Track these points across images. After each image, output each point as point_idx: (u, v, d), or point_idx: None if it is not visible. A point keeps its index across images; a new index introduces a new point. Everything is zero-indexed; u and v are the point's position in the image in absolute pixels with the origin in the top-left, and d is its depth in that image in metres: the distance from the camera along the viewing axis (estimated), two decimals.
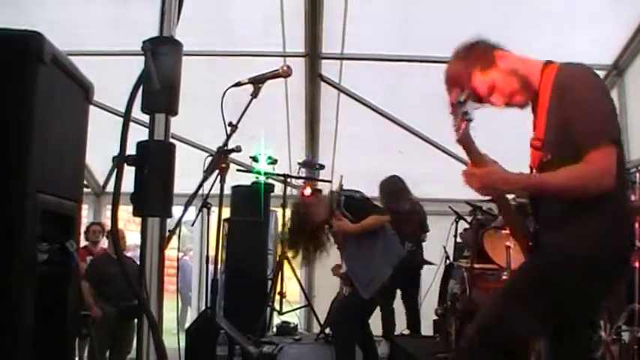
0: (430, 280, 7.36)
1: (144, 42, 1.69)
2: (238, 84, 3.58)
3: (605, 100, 2.57)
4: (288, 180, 8.20)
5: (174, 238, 3.78)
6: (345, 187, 5.84)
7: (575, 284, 2.47)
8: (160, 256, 1.71)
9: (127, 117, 1.66)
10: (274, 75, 3.66)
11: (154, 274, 1.71)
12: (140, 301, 1.62)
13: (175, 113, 1.74)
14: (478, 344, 2.60)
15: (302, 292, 8.19)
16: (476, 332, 2.65)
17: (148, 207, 1.72)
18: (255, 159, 8.11)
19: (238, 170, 7.85)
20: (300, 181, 8.58)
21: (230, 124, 3.69)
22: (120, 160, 1.66)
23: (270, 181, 8.23)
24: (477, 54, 2.78)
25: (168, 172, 1.72)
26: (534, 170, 2.71)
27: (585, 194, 2.41)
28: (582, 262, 2.48)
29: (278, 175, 8.10)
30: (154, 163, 1.69)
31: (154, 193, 1.71)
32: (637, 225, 5.29)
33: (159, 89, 1.65)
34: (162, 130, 1.72)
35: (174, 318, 4.92)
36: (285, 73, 3.70)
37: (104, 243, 8.29)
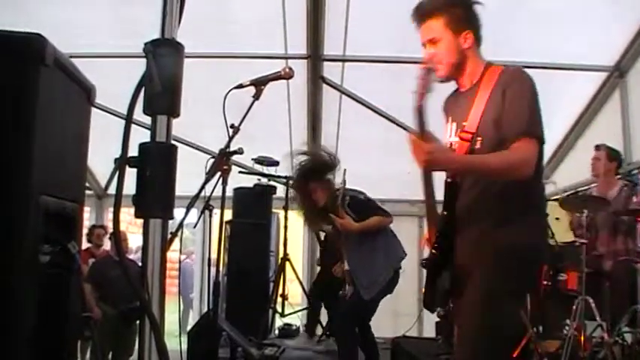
0: None
1: (145, 44, 1.69)
2: (240, 86, 3.59)
3: (537, 102, 2.77)
4: (290, 182, 8.21)
5: (176, 240, 3.79)
6: (348, 187, 5.84)
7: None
8: (161, 257, 1.71)
9: (128, 119, 1.66)
10: (276, 77, 3.67)
11: (156, 275, 1.70)
12: (142, 302, 1.62)
13: (177, 115, 1.74)
14: None
15: (304, 294, 8.19)
16: None
17: (150, 208, 1.71)
18: (257, 161, 8.13)
19: (240, 172, 7.86)
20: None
21: (232, 126, 3.70)
22: (122, 162, 1.66)
23: (272, 183, 8.25)
24: (460, 14, 2.88)
25: (170, 173, 1.72)
26: None
27: (508, 178, 2.64)
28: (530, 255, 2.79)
29: (280, 177, 8.11)
30: (155, 164, 1.69)
31: (155, 195, 1.71)
32: (638, 227, 5.31)
33: (160, 91, 1.65)
34: (164, 132, 1.72)
35: (176, 320, 4.92)
36: (287, 75, 3.71)
37: (107, 245, 8.29)
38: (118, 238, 2.05)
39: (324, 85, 8.07)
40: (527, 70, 7.07)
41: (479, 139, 2.74)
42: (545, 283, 5.75)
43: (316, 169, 5.95)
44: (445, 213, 2.78)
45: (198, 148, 8.65)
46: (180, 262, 5.46)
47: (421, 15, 2.89)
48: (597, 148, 6.15)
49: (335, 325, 6.22)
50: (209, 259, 5.08)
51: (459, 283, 2.74)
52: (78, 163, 2.41)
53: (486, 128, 2.73)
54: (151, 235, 1.71)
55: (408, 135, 2.69)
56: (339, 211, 5.68)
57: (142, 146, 1.71)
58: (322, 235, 7.67)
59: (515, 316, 2.85)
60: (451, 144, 2.86)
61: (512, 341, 2.97)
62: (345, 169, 5.89)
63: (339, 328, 5.82)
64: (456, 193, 2.76)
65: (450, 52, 2.85)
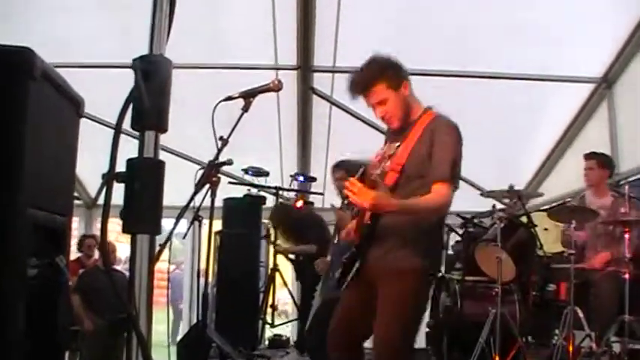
0: None
1: (134, 60, 1.70)
2: (229, 98, 3.58)
3: (460, 153, 3.30)
4: (280, 192, 8.22)
5: (166, 250, 3.79)
6: None
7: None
8: (149, 272, 1.71)
9: (116, 134, 1.67)
10: (265, 89, 3.67)
11: (144, 290, 1.71)
12: (129, 317, 1.62)
13: (165, 130, 1.75)
14: None
15: (294, 304, 8.18)
16: None
17: (138, 224, 1.72)
18: (246, 171, 8.14)
19: (230, 183, 7.87)
20: (291, 194, 8.60)
21: (221, 138, 3.69)
22: (109, 177, 1.67)
23: (262, 193, 8.25)
24: (393, 73, 3.39)
25: (158, 189, 1.73)
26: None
27: (433, 216, 3.31)
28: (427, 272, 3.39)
29: (270, 187, 8.12)
30: (143, 180, 1.70)
31: (143, 210, 1.71)
32: (626, 237, 5.33)
33: (148, 107, 1.65)
34: (152, 147, 1.73)
35: (165, 331, 4.91)
36: (276, 87, 3.70)
37: (97, 255, 8.26)
38: (104, 251, 2.05)
39: (314, 96, 8.09)
40: (515, 81, 7.13)
41: (405, 174, 3.27)
42: (534, 293, 5.78)
43: None
44: (369, 223, 3.31)
45: (188, 158, 8.65)
46: (169, 272, 5.38)
47: (362, 88, 3.38)
48: (587, 157, 6.16)
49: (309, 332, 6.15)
50: (198, 270, 5.09)
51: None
52: (67, 175, 2.41)
53: (410, 165, 3.27)
54: (139, 250, 1.71)
55: (350, 180, 3.12)
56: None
57: (130, 161, 1.72)
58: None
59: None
60: (383, 169, 3.34)
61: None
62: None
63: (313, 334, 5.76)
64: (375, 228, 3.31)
65: (397, 107, 3.36)
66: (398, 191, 3.24)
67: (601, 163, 6.08)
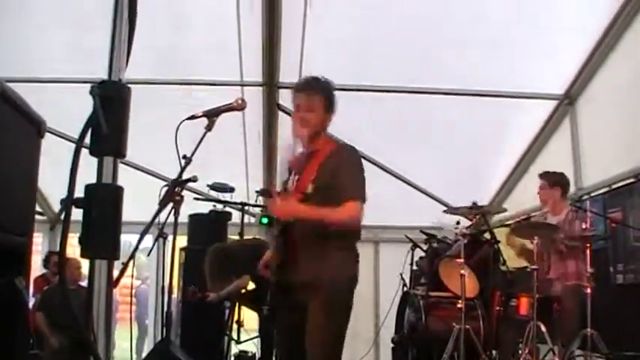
0: (387, 307, 7.36)
1: (92, 86, 1.70)
2: (192, 117, 3.58)
3: (363, 171, 3.61)
4: (246, 208, 8.21)
5: (131, 266, 3.76)
6: None
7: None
8: (107, 297, 1.71)
9: (75, 161, 1.66)
10: (228, 108, 3.67)
11: (102, 315, 1.70)
12: (87, 344, 1.62)
13: (123, 156, 1.76)
14: None
15: (259, 320, 8.14)
16: None
17: (96, 249, 1.72)
18: (212, 187, 8.12)
19: (196, 199, 7.84)
20: (257, 209, 8.59)
21: (184, 157, 3.69)
22: (67, 203, 1.67)
23: (227, 209, 8.23)
24: (333, 100, 3.70)
25: (116, 215, 1.73)
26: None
27: (339, 227, 3.45)
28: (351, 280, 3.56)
29: (235, 203, 8.11)
30: (101, 206, 1.70)
31: (101, 236, 1.71)
32: (587, 253, 5.42)
33: (107, 133, 1.66)
34: (111, 174, 1.73)
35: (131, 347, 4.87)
36: (240, 107, 3.71)
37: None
38: (62, 275, 2.03)
39: (280, 112, 8.10)
40: (479, 98, 7.22)
41: (310, 190, 3.50)
42: (497, 308, 5.83)
43: None
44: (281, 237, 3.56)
45: (153, 174, 8.60)
46: (132, 287, 5.33)
47: (309, 88, 3.69)
48: (540, 177, 6.29)
49: None
50: (162, 286, 5.05)
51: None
52: (27, 197, 2.38)
53: (316, 184, 3.50)
54: (97, 275, 1.71)
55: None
56: None
57: (88, 187, 1.72)
58: None
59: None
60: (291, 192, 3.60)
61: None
62: None
63: None
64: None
65: (317, 123, 3.63)
66: (308, 203, 3.45)
67: (551, 182, 6.19)
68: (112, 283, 1.73)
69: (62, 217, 1.72)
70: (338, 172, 3.50)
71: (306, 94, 3.66)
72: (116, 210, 1.73)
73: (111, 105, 1.70)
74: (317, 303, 3.39)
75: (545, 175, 6.23)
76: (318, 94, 3.64)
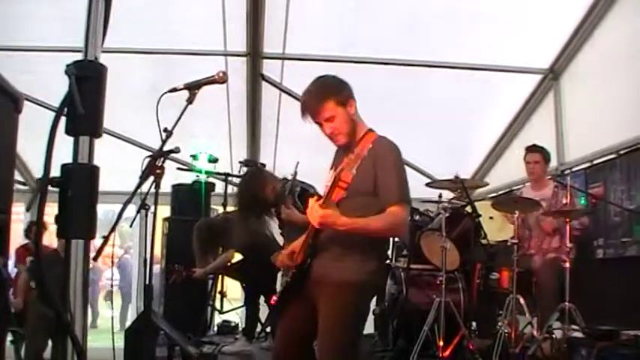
0: None
1: (67, 66, 1.69)
2: (174, 90, 3.56)
3: (404, 171, 3.40)
4: (229, 179, 8.20)
5: (113, 238, 3.77)
6: (298, 179, 5.86)
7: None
8: (84, 277, 1.71)
9: (50, 140, 1.65)
10: (210, 81, 3.65)
11: (79, 294, 1.71)
12: (64, 325, 1.62)
13: (99, 135, 1.74)
14: None
15: (243, 290, 8.17)
16: None
17: (72, 229, 1.72)
18: (195, 157, 8.09)
19: (179, 169, 7.82)
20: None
21: (165, 129, 3.68)
22: (44, 182, 1.66)
23: (211, 179, 8.22)
24: (341, 90, 3.45)
25: (92, 194, 1.72)
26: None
27: (388, 237, 3.42)
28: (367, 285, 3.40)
29: (219, 173, 8.09)
30: (77, 185, 1.69)
31: (77, 216, 1.71)
32: (567, 228, 5.46)
33: (82, 113, 1.64)
34: (87, 153, 1.72)
35: (116, 316, 4.86)
36: (221, 79, 3.69)
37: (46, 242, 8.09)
38: (38, 254, 2.02)
39: (264, 83, 8.07)
40: (464, 71, 7.19)
41: (349, 192, 3.24)
42: (478, 281, 5.88)
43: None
44: (311, 240, 3.38)
45: (136, 144, 8.56)
46: (113, 257, 5.30)
47: (314, 109, 3.40)
48: (532, 150, 6.26)
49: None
50: (145, 259, 5.04)
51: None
52: (5, 174, 2.36)
53: (356, 186, 3.21)
54: (73, 255, 1.71)
55: (311, 200, 3.23)
56: (286, 201, 5.70)
57: (65, 167, 1.71)
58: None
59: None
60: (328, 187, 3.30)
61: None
62: (297, 162, 5.90)
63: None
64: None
65: (345, 123, 3.41)
66: (342, 208, 3.23)
67: (545, 157, 6.22)
68: (88, 263, 1.73)
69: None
70: (377, 172, 3.31)
71: (317, 111, 3.40)
72: (92, 190, 1.73)
73: (87, 84, 1.69)
74: (327, 304, 3.31)
75: (539, 149, 6.24)
76: (325, 101, 3.37)
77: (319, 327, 3.30)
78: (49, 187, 1.71)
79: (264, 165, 8.49)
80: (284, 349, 3.54)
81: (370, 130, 3.51)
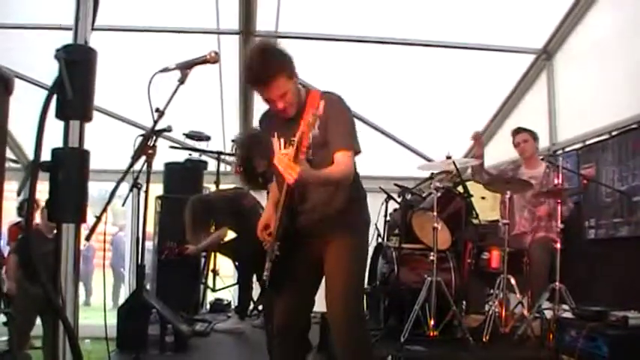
0: None
1: (57, 50, 1.68)
2: (165, 70, 3.56)
3: (354, 123, 3.55)
4: (222, 157, 8.20)
5: (109, 213, 3.79)
6: None
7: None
8: (75, 261, 1.72)
9: (41, 124, 1.65)
10: (201, 61, 3.65)
11: (70, 279, 1.71)
12: (56, 308, 1.63)
13: (90, 119, 1.74)
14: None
15: (235, 268, 8.20)
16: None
17: (63, 213, 1.72)
18: (188, 136, 8.09)
19: (171, 147, 7.82)
20: (233, 158, 8.58)
21: (157, 109, 3.68)
22: (34, 166, 1.66)
23: (203, 157, 8.22)
24: (289, 63, 3.41)
25: (83, 178, 1.72)
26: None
27: (341, 183, 3.46)
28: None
29: (212, 152, 8.09)
30: (68, 170, 1.70)
31: (68, 200, 1.71)
32: (559, 208, 5.49)
33: (73, 97, 1.64)
34: (77, 137, 1.72)
35: (108, 294, 4.87)
36: (213, 59, 3.69)
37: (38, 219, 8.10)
38: (30, 242, 2.03)
39: None
40: (457, 50, 7.14)
41: (313, 150, 3.28)
42: (469, 261, 5.92)
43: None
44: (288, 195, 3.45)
45: (129, 122, 8.54)
46: (105, 234, 5.23)
47: (266, 80, 3.33)
48: (519, 131, 6.31)
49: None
50: (137, 238, 5.05)
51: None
52: None
53: (316, 143, 3.29)
54: (64, 239, 1.71)
55: (279, 154, 3.26)
56: None
57: (55, 151, 1.71)
58: None
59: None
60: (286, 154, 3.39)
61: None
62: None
63: None
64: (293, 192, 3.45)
65: (294, 95, 3.42)
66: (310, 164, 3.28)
67: (533, 135, 6.25)
68: (79, 246, 1.73)
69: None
70: (330, 126, 3.39)
71: (268, 84, 3.34)
72: (83, 174, 1.73)
73: (77, 68, 1.68)
74: (340, 244, 3.49)
75: (525, 130, 6.29)
76: (277, 75, 3.32)
77: (329, 270, 3.51)
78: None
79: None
80: (286, 321, 3.65)
81: (310, 89, 3.58)
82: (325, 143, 3.40)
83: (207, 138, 8.21)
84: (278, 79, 3.30)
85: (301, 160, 3.14)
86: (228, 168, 9.14)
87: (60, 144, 1.76)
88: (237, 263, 7.10)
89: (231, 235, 6.65)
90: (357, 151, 3.50)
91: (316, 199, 3.52)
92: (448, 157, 5.88)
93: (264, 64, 3.33)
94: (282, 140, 3.49)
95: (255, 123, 8.83)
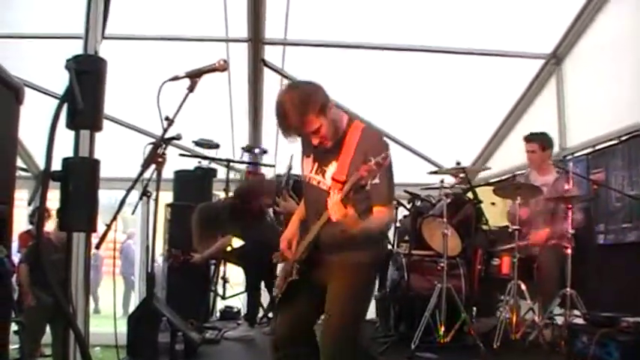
0: None
1: (67, 60, 1.69)
2: (175, 78, 3.58)
3: (391, 171, 3.46)
4: (231, 164, 8.21)
5: (119, 221, 3.80)
6: (292, 173, 5.89)
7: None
8: (85, 269, 1.72)
9: (51, 134, 1.66)
10: (211, 69, 3.68)
11: (80, 288, 1.72)
12: (67, 317, 1.63)
13: (100, 129, 1.75)
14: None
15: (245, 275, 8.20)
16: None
17: (73, 222, 1.73)
18: (198, 143, 8.11)
19: (181, 155, 7.83)
20: (242, 166, 8.61)
21: (167, 118, 3.70)
22: (45, 176, 1.67)
23: (213, 165, 8.23)
24: (317, 99, 3.30)
25: (93, 188, 1.73)
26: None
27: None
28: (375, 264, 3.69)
29: (221, 159, 8.10)
30: (78, 179, 1.70)
31: (78, 209, 1.72)
32: (569, 213, 5.46)
33: (83, 107, 1.65)
34: (87, 147, 1.73)
35: (118, 302, 4.88)
36: (222, 68, 3.71)
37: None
38: (40, 248, 2.03)
39: (265, 69, 8.05)
40: (466, 56, 7.12)
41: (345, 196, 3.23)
42: (479, 267, 5.89)
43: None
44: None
45: (139, 130, 8.56)
46: (115, 243, 5.23)
47: (297, 128, 3.28)
48: (529, 139, 6.24)
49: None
50: (147, 246, 5.06)
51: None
52: (6, 165, 2.38)
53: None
54: (75, 247, 1.72)
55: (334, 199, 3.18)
56: (283, 193, 5.73)
57: (66, 160, 1.72)
58: None
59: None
60: (314, 178, 3.54)
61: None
62: (292, 155, 5.91)
63: None
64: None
65: (329, 128, 3.35)
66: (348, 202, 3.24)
67: (542, 145, 6.16)
68: (89, 255, 1.74)
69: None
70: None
71: (301, 128, 3.29)
72: (93, 183, 1.74)
73: (87, 78, 1.69)
74: (342, 279, 3.47)
75: (535, 138, 6.19)
76: (307, 117, 3.25)
77: (330, 297, 3.48)
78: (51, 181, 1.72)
79: (265, 151, 8.53)
80: (287, 333, 3.63)
81: (352, 120, 3.52)
82: (363, 186, 3.26)
83: (217, 146, 8.22)
84: (306, 120, 3.23)
85: (349, 199, 3.17)
86: (238, 175, 9.15)
87: (70, 153, 1.77)
88: (246, 270, 7.10)
89: (238, 242, 6.66)
90: (392, 205, 3.72)
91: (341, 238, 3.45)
92: (457, 164, 5.87)
93: (294, 104, 3.24)
94: (315, 165, 3.53)
95: (265, 130, 8.95)
